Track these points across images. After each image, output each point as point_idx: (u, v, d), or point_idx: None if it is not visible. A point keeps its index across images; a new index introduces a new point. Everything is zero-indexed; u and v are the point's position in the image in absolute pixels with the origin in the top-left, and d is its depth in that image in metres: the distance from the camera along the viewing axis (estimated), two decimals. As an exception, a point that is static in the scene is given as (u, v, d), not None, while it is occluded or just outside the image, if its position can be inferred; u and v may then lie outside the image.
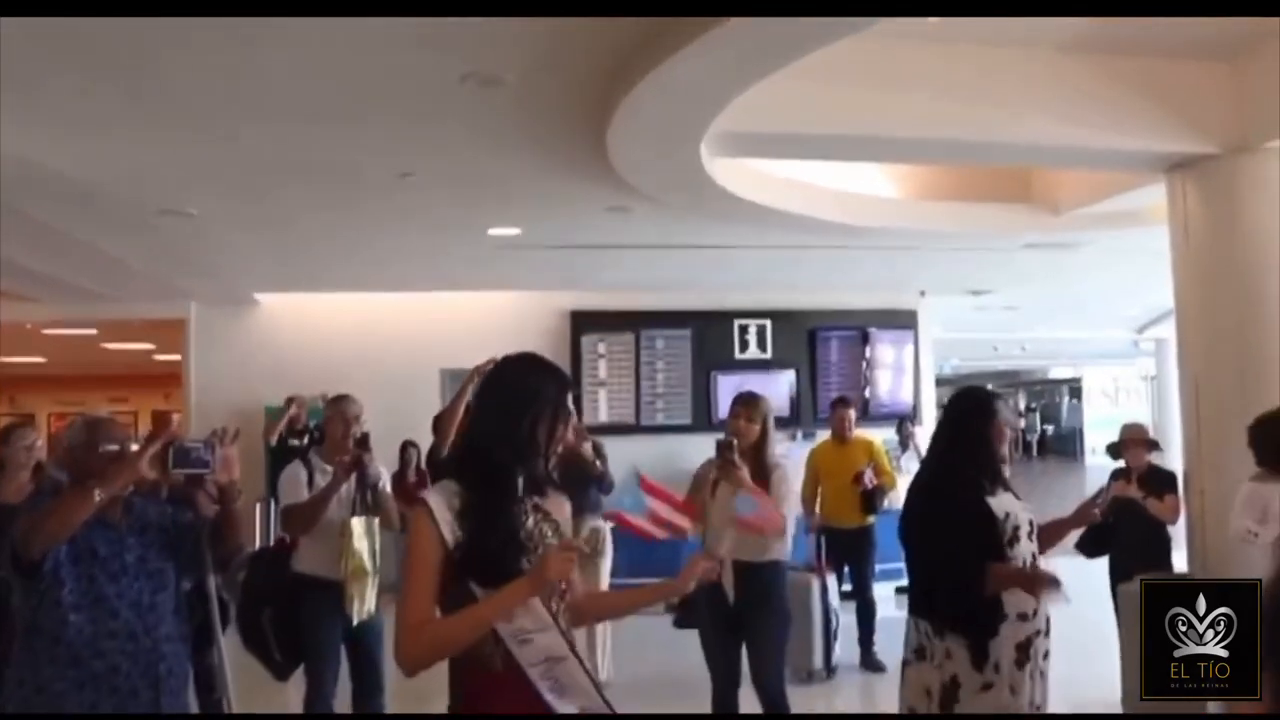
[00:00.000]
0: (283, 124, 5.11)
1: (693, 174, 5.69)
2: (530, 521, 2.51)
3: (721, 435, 4.68)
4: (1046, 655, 3.67)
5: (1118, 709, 5.87)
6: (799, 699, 4.75)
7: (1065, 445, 31.99)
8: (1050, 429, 34.47)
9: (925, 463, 4.00)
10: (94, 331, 13.29)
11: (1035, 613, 3.59)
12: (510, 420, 2.48)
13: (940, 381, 15.83)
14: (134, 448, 3.01)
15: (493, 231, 7.69)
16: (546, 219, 7.41)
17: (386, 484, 5.01)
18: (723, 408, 11.45)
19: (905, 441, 10.21)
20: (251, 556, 5.50)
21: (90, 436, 3.11)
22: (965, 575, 3.54)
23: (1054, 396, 34.73)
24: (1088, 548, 6.34)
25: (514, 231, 7.72)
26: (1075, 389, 31.91)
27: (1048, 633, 3.66)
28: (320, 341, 10.67)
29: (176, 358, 11.93)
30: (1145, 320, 17.87)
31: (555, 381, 2.56)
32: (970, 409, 3.75)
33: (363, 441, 4.81)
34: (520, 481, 2.49)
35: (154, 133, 5.18)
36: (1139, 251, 8.37)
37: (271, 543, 6.05)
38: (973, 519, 3.57)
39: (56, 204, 6.36)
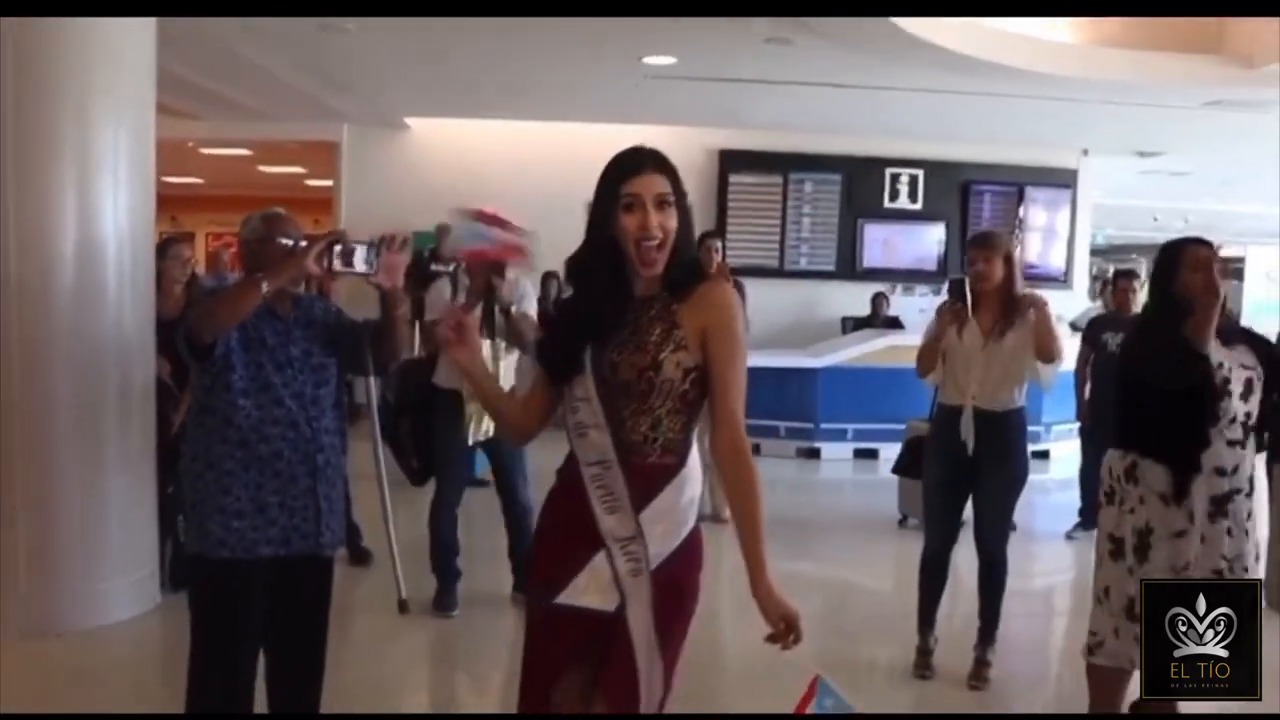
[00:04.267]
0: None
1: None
2: (646, 317, 2.37)
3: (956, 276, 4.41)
4: (1250, 515, 3.59)
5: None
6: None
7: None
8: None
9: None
10: (249, 153, 13.62)
11: (1236, 470, 3.53)
12: (589, 223, 2.42)
13: (1093, 251, 15.23)
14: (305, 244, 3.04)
15: (648, 60, 7.53)
16: (703, 48, 7.20)
17: (530, 306, 4.96)
18: (869, 256, 11.46)
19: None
20: (400, 368, 5.71)
21: (267, 230, 3.14)
22: (1172, 415, 3.50)
23: (1211, 275, 33.19)
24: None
25: (669, 61, 7.54)
26: (1237, 269, 30.35)
27: (1250, 493, 3.59)
28: (467, 168, 10.73)
29: (327, 183, 12.18)
30: (1326, 196, 16.76)
31: (606, 173, 2.41)
32: (1159, 264, 3.65)
33: (495, 264, 4.81)
34: (621, 281, 2.38)
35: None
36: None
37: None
38: (1179, 358, 3.46)
39: (219, 22, 6.42)
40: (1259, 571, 3.66)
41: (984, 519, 4.44)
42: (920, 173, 11.26)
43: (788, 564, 5.96)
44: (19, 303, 4.66)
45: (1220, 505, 3.53)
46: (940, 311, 4.37)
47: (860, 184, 11.19)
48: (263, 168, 14.95)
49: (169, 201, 15.95)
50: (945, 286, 4.31)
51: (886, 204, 11.26)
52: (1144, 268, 9.29)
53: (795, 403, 9.00)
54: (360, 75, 8.60)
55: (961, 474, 4.37)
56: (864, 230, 11.20)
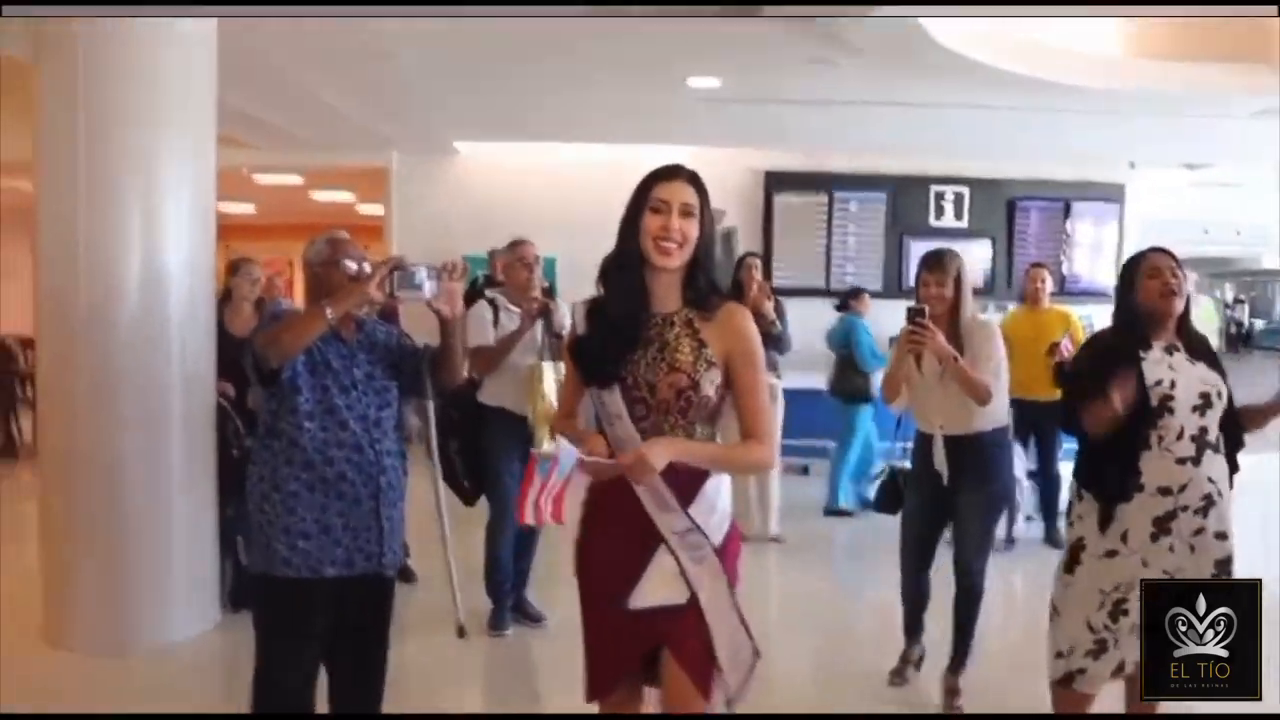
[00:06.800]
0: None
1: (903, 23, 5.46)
2: (672, 334, 2.51)
3: (910, 303, 4.25)
4: (1200, 532, 3.37)
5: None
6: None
7: (1274, 340, 30.13)
8: (1261, 324, 32.45)
9: None
10: (301, 180, 13.84)
11: (1183, 489, 3.35)
12: (620, 227, 2.56)
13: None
14: (368, 268, 3.13)
15: (692, 82, 7.59)
16: (747, 70, 7.26)
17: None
18: (915, 274, 11.28)
19: None
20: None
21: (332, 252, 3.23)
22: (1099, 442, 3.43)
23: (1267, 289, 32.63)
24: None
25: (714, 83, 7.60)
26: (1288, 281, 29.92)
27: (1205, 511, 3.36)
28: (516, 193, 10.83)
29: (378, 210, 12.33)
30: (1382, 205, 16.48)
31: (641, 181, 2.55)
32: (1122, 276, 3.58)
33: (548, 291, 4.93)
34: (644, 288, 2.53)
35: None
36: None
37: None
38: (1110, 376, 3.36)
39: (276, 46, 6.57)
40: None
41: (961, 542, 4.28)
42: (965, 190, 11.21)
43: (812, 582, 6.00)
44: (88, 329, 4.81)
45: (1163, 525, 3.37)
46: (899, 340, 4.23)
47: (905, 202, 11.17)
48: (314, 194, 15.17)
49: (225, 231, 16.27)
50: (905, 314, 4.13)
51: (932, 222, 11.20)
52: (1192, 282, 9.21)
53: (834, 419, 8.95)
54: (410, 101, 8.73)
55: (938, 500, 4.29)
56: (910, 248, 11.17)
